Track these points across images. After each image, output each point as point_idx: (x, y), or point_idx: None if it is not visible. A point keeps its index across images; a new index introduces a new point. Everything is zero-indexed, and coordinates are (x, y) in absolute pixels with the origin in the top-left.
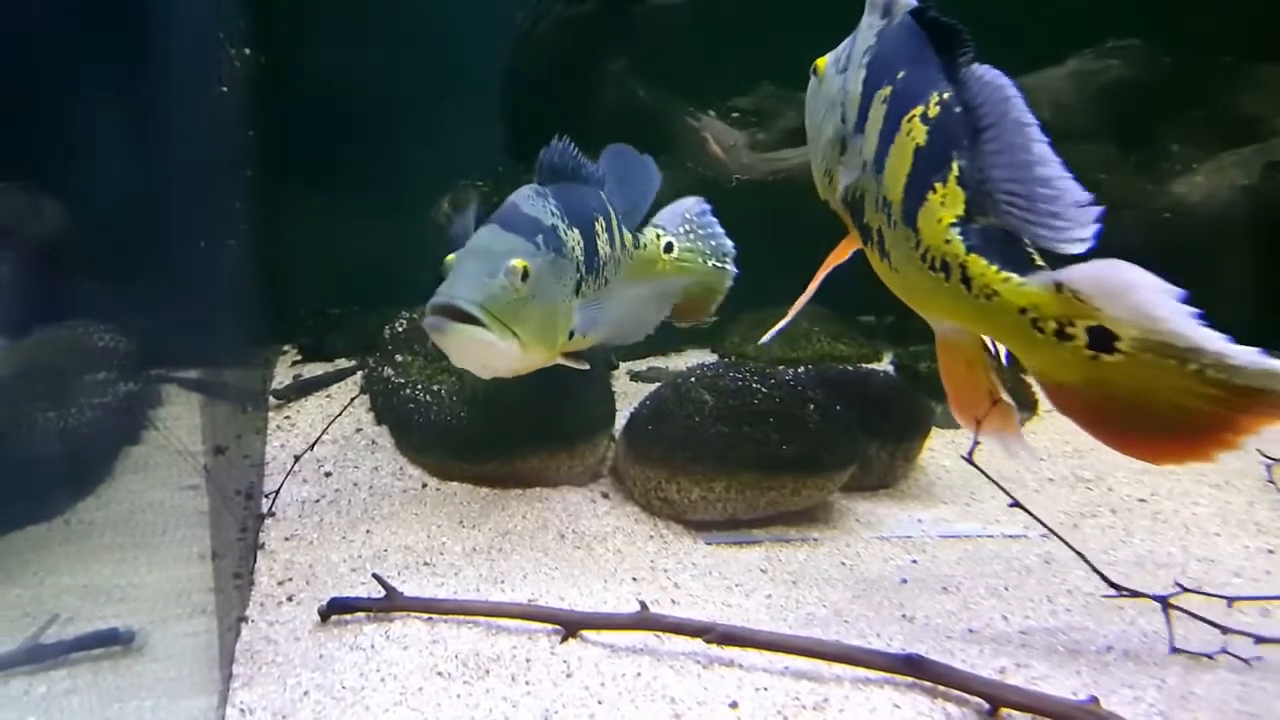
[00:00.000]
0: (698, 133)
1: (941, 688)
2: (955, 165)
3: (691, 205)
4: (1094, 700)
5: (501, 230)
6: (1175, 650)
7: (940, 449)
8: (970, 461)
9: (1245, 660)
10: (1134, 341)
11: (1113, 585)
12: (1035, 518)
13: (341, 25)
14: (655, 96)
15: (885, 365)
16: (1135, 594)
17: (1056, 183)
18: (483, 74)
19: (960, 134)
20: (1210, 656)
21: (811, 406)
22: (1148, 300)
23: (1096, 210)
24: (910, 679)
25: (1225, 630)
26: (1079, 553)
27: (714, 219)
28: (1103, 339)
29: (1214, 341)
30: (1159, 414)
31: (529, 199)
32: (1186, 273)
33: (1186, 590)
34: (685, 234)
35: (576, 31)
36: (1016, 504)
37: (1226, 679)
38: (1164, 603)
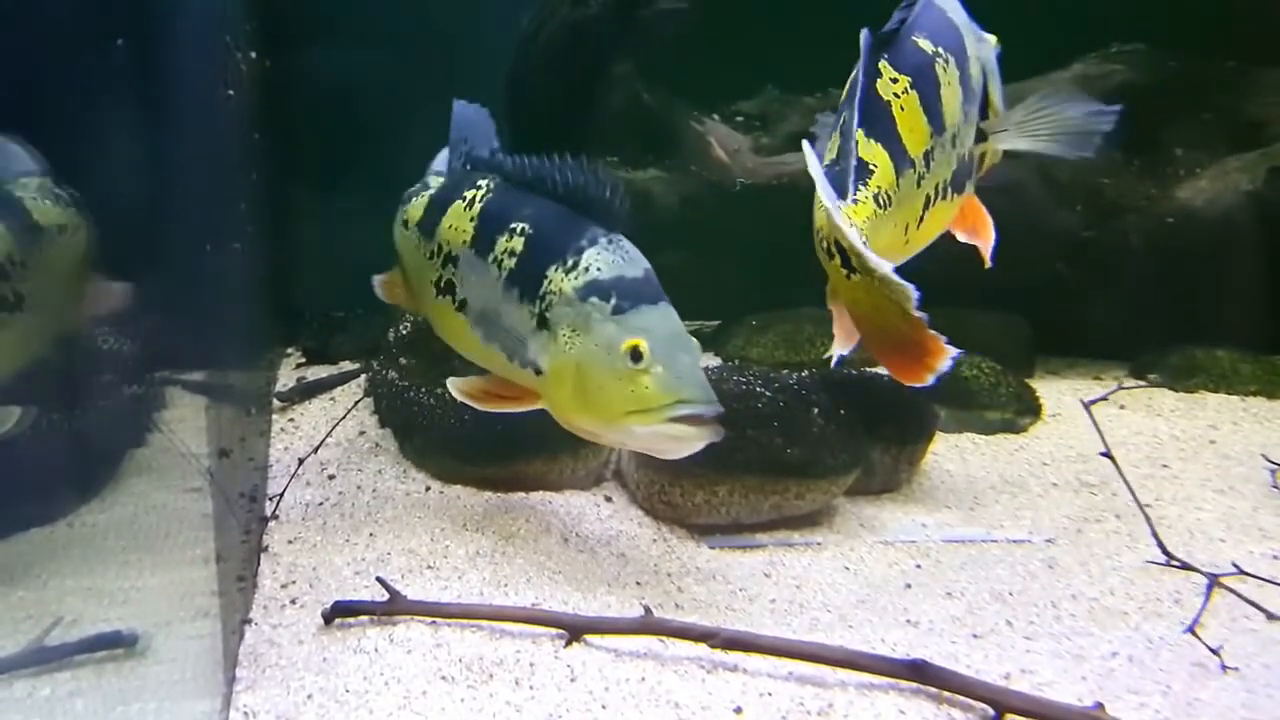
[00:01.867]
0: (702, 137)
1: (946, 693)
2: (842, 118)
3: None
4: (1099, 706)
5: (670, 307)
6: (1190, 631)
7: (944, 453)
8: (1088, 410)
9: (1225, 667)
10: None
11: (1166, 553)
12: (1114, 462)
13: (346, 29)
14: (660, 100)
15: None
16: (1186, 566)
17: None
18: (487, 77)
19: (852, 95)
20: (1215, 651)
21: (815, 410)
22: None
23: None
24: (915, 684)
25: (1271, 617)
26: (1145, 513)
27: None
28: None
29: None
30: (890, 335)
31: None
32: (1191, 277)
33: (1242, 572)
34: None
35: (581, 35)
36: (1108, 454)
37: (1232, 685)
38: (1214, 580)
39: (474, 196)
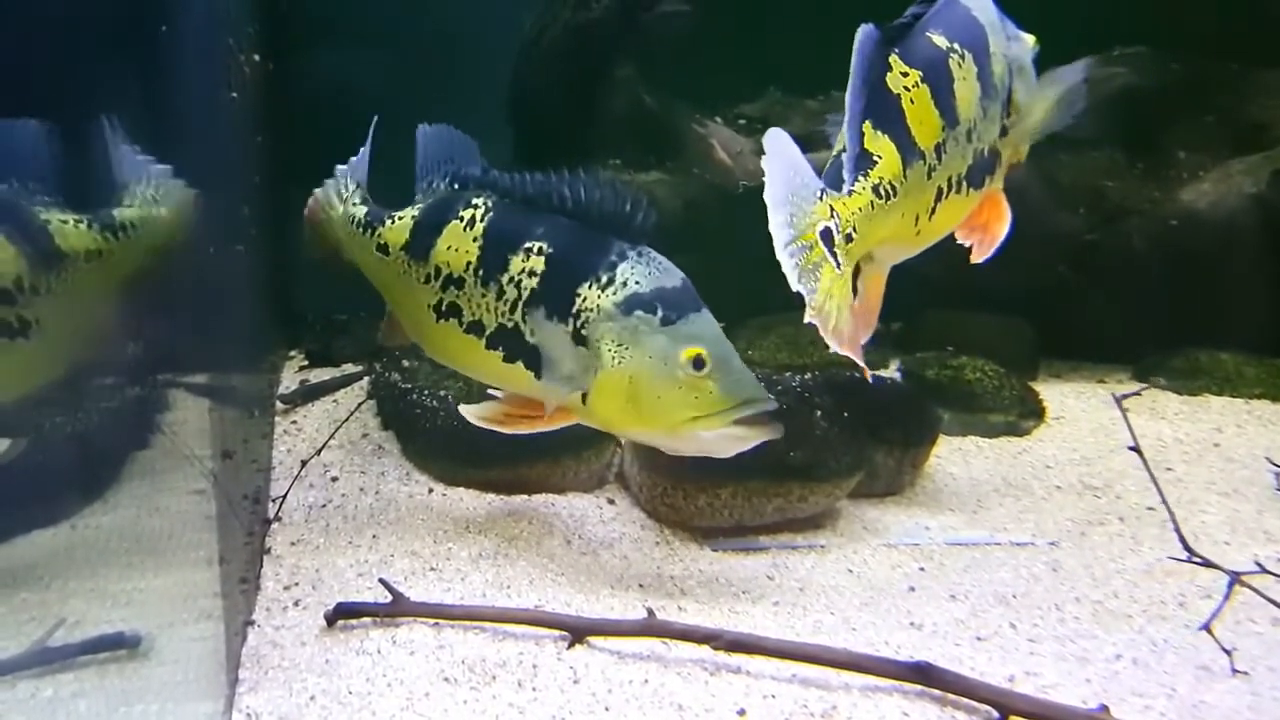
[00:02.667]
0: (705, 139)
1: (950, 696)
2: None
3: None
4: (1104, 709)
5: (709, 312)
6: (1205, 628)
7: (947, 456)
8: (1119, 404)
9: (1235, 670)
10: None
11: (1188, 549)
12: (1141, 456)
13: (349, 32)
14: (662, 103)
15: (892, 372)
16: (1209, 563)
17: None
18: (490, 80)
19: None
20: (1228, 652)
21: (818, 413)
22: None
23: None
24: (919, 687)
25: None
26: (1168, 507)
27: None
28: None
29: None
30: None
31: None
32: (1194, 280)
33: (1265, 570)
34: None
35: (583, 38)
36: (1135, 449)
37: (1238, 688)
38: (1235, 577)
39: (472, 216)
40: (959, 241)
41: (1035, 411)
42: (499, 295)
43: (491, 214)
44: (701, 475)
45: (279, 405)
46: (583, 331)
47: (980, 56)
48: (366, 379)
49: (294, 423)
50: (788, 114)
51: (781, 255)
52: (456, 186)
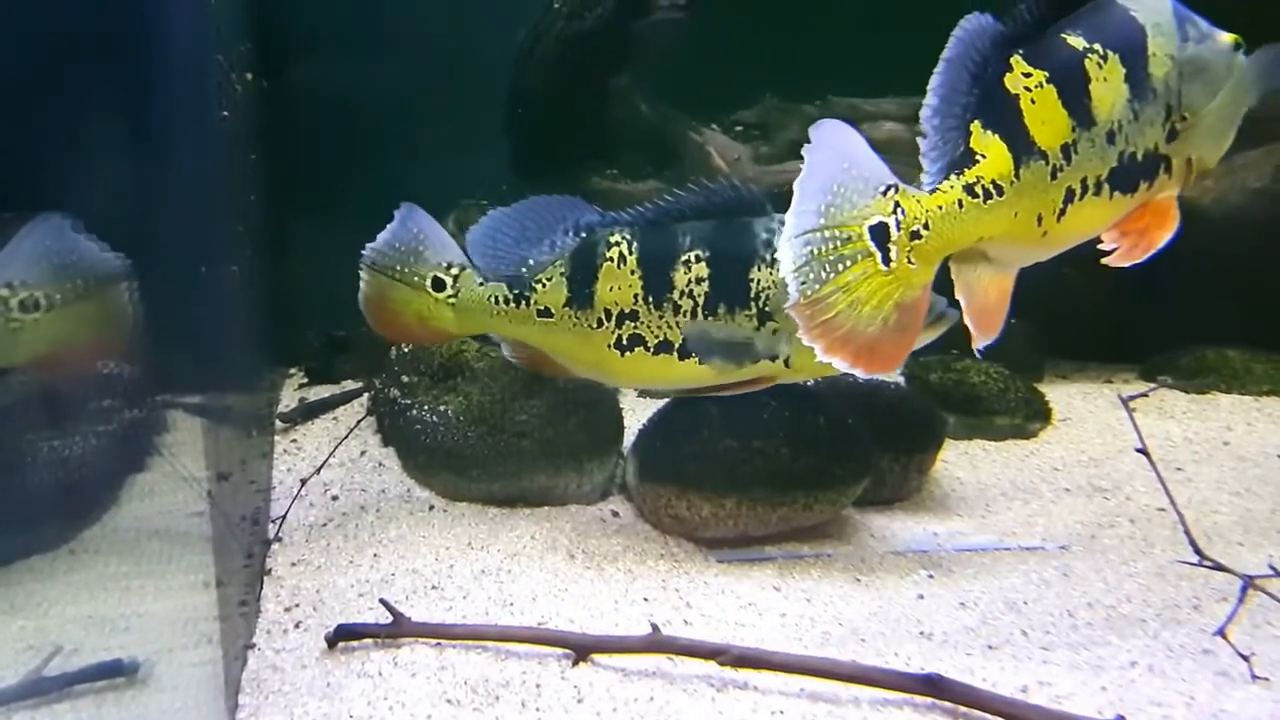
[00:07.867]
0: (702, 147)
1: (963, 708)
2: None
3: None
4: (1121, 719)
5: None
6: (1220, 634)
7: (954, 460)
8: (1125, 405)
9: (1255, 676)
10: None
11: (1199, 553)
12: (1149, 458)
13: (342, 49)
14: (658, 111)
15: (896, 376)
16: (1220, 567)
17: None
18: (485, 92)
19: (956, 84)
20: (1245, 658)
21: (822, 419)
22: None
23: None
24: (930, 699)
25: None
26: (1179, 512)
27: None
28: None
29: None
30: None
31: None
32: (1199, 277)
33: (1279, 574)
34: None
35: (579, 47)
36: (1143, 450)
37: (1259, 695)
38: (1249, 581)
39: (620, 253)
40: (1103, 245)
41: (1042, 413)
42: (676, 311)
43: (636, 244)
44: (706, 486)
45: (278, 424)
46: (765, 309)
47: (1132, 57)
48: (366, 395)
49: (294, 441)
50: (785, 120)
51: (788, 242)
52: (583, 236)
